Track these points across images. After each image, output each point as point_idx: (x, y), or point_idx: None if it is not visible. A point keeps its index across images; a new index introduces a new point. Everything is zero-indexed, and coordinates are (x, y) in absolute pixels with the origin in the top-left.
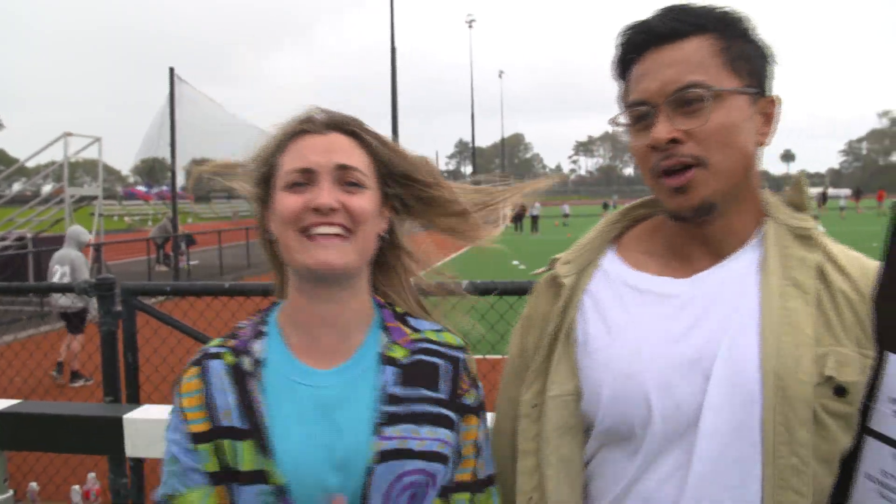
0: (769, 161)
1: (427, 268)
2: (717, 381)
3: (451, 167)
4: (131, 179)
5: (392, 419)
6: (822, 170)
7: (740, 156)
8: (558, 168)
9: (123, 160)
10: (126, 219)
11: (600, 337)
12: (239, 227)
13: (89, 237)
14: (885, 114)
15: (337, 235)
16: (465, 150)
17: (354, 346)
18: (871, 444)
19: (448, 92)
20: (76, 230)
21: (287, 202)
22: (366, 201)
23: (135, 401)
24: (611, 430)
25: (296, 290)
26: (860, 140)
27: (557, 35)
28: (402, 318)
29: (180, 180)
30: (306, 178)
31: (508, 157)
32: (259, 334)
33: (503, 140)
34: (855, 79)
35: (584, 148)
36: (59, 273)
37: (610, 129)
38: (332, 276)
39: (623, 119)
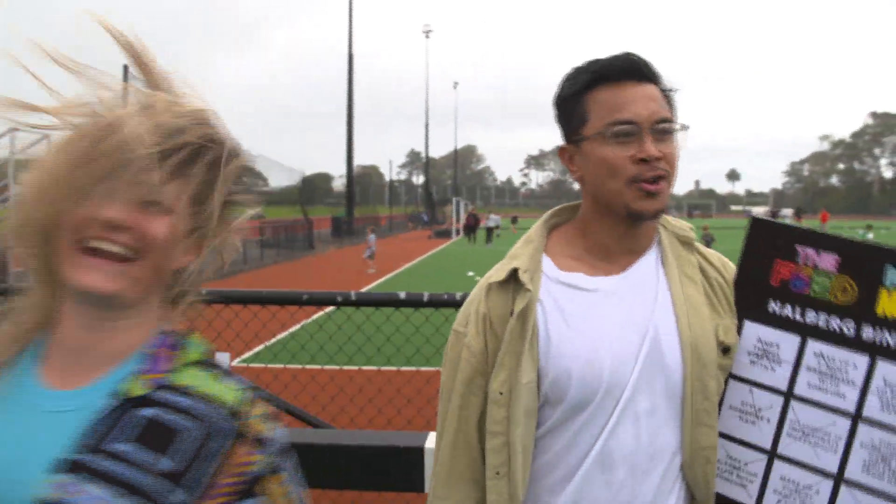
0: (716, 179)
1: None
2: (650, 353)
3: (402, 177)
4: None
5: (71, 467)
6: (766, 189)
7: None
8: (509, 181)
9: None
10: None
11: (562, 332)
12: None
13: None
14: (825, 137)
15: None
16: (417, 160)
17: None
18: (732, 385)
19: (400, 99)
20: None
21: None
22: None
23: None
24: (576, 405)
25: None
26: (802, 162)
27: (515, 49)
28: (174, 345)
29: None
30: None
31: (461, 169)
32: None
33: (456, 152)
34: (799, 101)
35: (536, 162)
36: None
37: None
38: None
39: (598, 131)
